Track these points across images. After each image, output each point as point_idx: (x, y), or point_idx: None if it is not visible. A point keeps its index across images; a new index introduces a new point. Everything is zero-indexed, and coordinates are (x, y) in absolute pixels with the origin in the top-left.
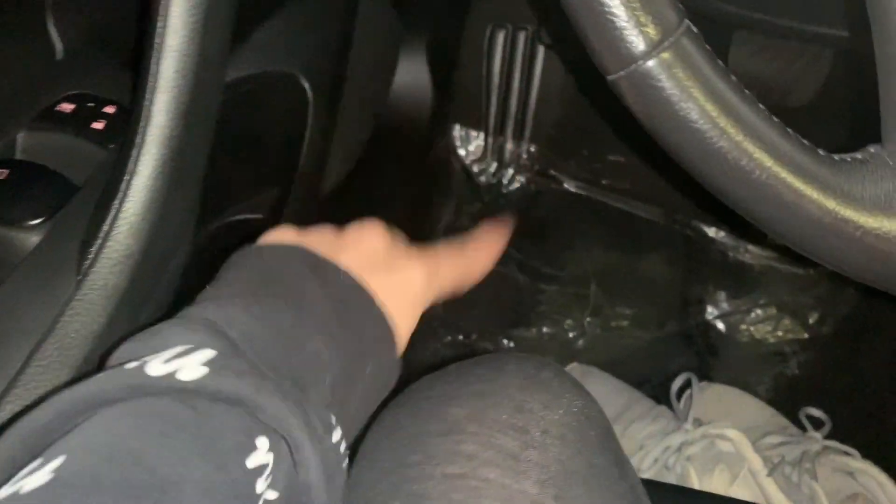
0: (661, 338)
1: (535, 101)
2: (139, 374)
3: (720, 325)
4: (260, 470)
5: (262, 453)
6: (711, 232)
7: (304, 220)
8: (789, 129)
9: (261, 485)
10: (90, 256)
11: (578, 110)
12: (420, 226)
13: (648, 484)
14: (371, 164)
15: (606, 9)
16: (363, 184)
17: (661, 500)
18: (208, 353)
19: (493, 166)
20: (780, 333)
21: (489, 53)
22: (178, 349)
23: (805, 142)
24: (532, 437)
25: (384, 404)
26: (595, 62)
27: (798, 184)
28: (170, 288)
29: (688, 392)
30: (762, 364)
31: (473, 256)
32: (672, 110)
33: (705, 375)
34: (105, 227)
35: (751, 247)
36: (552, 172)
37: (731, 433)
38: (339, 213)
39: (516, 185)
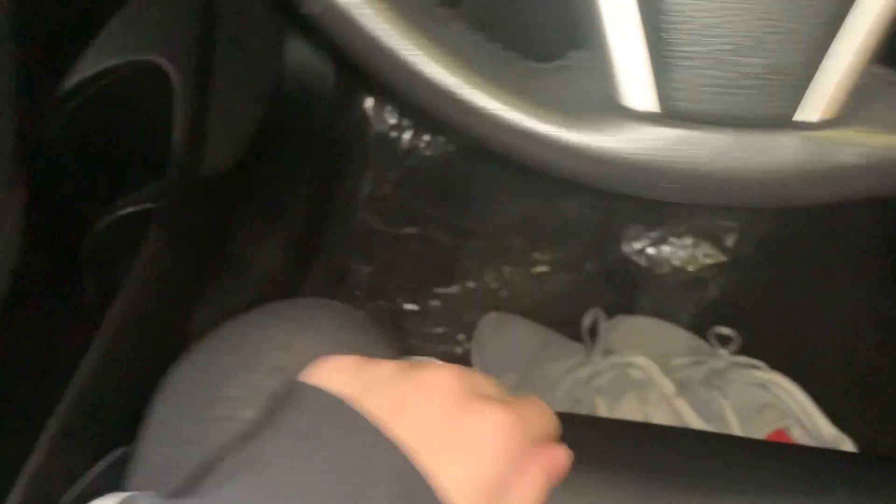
0: (583, 278)
1: None
2: None
3: (640, 259)
4: None
5: None
6: None
7: (187, 204)
8: (491, 44)
9: None
10: None
11: None
12: (334, 198)
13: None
14: (270, 142)
15: None
16: (264, 162)
17: (570, 428)
18: None
19: (410, 132)
20: (699, 260)
21: None
22: None
23: (505, 53)
24: (293, 374)
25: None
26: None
27: (498, 93)
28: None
29: (601, 326)
30: (683, 292)
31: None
32: (374, 42)
33: (628, 309)
34: None
35: None
36: None
37: (639, 360)
38: (238, 193)
39: (435, 146)
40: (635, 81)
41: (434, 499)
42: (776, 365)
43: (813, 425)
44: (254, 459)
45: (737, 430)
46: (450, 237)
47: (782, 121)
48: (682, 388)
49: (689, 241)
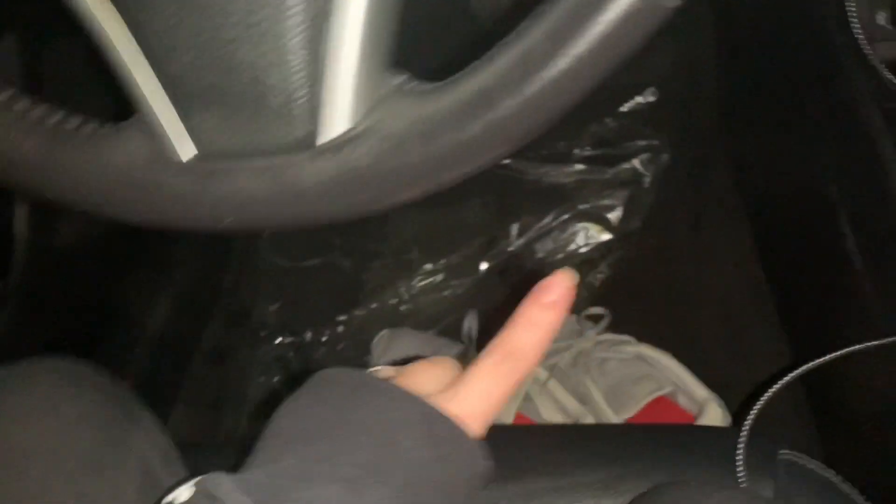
0: (478, 280)
1: None
2: None
3: (531, 251)
4: None
5: None
6: (521, 164)
7: (38, 282)
8: (60, 114)
9: None
10: None
11: None
12: (231, 242)
13: None
14: None
15: None
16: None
17: None
18: None
19: None
20: (588, 242)
21: None
22: None
23: (70, 120)
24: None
25: None
26: None
27: (60, 159)
28: None
29: (473, 328)
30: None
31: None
32: None
33: None
34: None
35: (563, 168)
36: None
37: None
38: (122, 256)
39: None
40: (173, 134)
41: (453, 426)
42: (664, 332)
43: (686, 389)
44: (299, 431)
45: (603, 407)
46: (352, 262)
47: (306, 143)
48: (555, 372)
49: (576, 225)
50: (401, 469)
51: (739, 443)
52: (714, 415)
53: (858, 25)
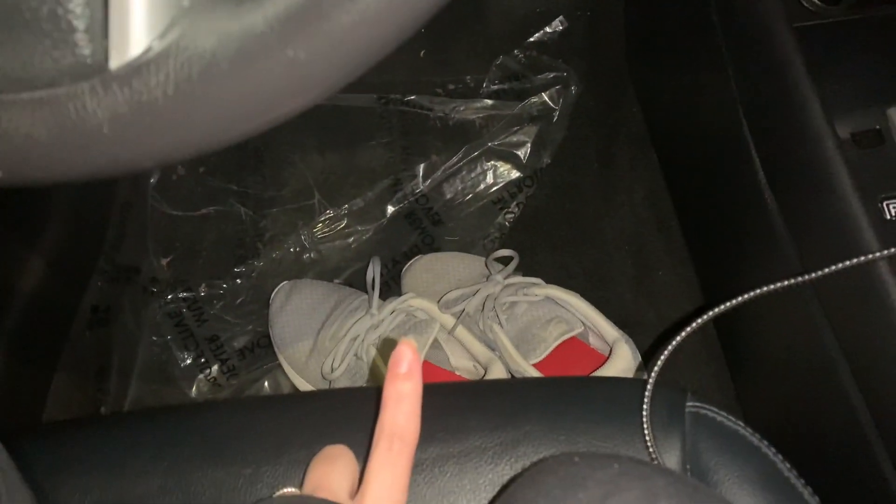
0: (385, 224)
1: None
2: None
3: (439, 193)
4: None
5: None
6: (426, 101)
7: None
8: None
9: None
10: None
11: None
12: (112, 191)
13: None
14: None
15: None
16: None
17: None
18: None
19: None
20: (497, 181)
21: None
22: None
23: None
24: None
25: None
26: None
27: None
28: None
29: (378, 274)
30: (485, 218)
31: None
32: None
33: (435, 247)
34: None
35: (471, 103)
36: None
37: (415, 302)
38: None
39: None
40: None
41: None
42: (574, 272)
43: (596, 329)
44: None
45: (512, 352)
46: (249, 210)
47: (94, 68)
48: (462, 318)
49: (486, 163)
50: None
51: (645, 398)
52: (624, 354)
53: None
